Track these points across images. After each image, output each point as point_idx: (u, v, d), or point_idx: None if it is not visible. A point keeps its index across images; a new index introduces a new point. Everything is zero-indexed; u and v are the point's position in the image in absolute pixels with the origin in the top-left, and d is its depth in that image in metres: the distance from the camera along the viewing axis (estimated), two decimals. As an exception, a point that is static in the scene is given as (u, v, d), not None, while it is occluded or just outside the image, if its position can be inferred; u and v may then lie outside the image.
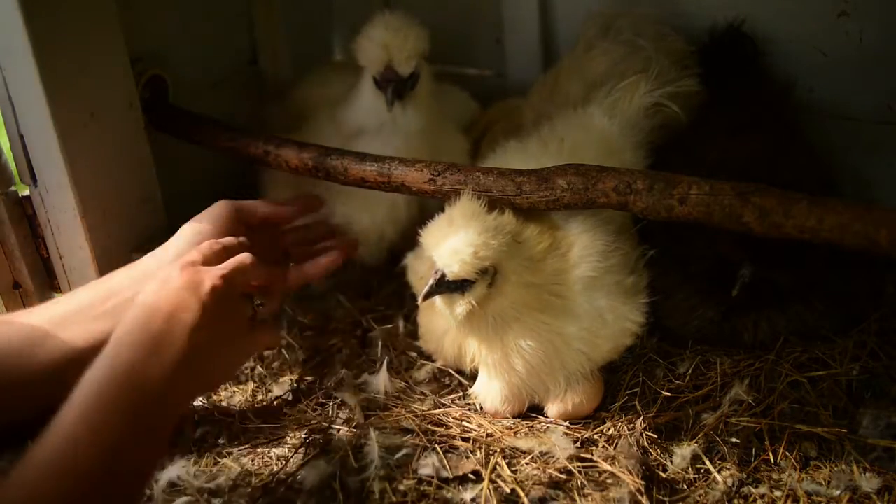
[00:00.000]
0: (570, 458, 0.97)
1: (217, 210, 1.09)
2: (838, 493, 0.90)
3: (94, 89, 1.11)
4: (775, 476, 0.93)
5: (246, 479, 0.95)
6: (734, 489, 0.92)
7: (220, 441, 1.02)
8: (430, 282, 0.95)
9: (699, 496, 0.91)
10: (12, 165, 1.12)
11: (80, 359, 0.93)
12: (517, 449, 1.00)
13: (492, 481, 0.94)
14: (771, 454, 0.95)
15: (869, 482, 0.90)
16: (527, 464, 0.97)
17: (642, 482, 0.92)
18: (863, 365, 1.06)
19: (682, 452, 0.96)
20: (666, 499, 0.91)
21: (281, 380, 1.14)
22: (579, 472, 0.95)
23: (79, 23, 1.08)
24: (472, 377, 1.10)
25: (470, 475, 0.95)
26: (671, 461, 0.96)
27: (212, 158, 1.29)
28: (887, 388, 1.03)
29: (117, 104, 1.17)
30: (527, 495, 0.91)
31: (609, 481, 0.93)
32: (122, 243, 1.10)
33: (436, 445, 0.99)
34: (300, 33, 1.65)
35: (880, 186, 1.30)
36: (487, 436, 1.02)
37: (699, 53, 1.33)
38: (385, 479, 0.94)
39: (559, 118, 1.21)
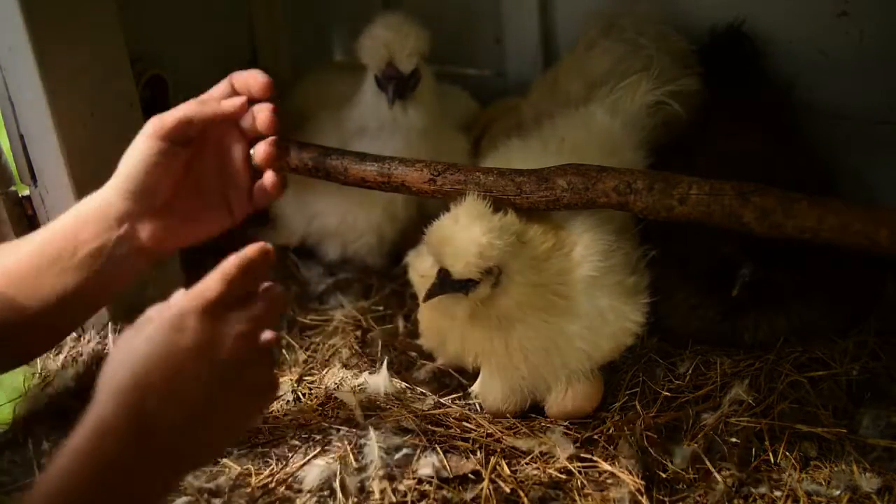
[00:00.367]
0: (570, 458, 0.97)
1: (140, 136, 0.97)
2: (838, 493, 0.90)
3: (94, 89, 1.11)
4: (775, 476, 0.93)
5: (246, 479, 0.95)
6: (734, 489, 0.92)
7: (220, 441, 1.02)
8: (434, 281, 0.95)
9: (699, 496, 0.91)
10: (12, 165, 1.12)
11: (61, 311, 0.94)
12: (517, 449, 1.00)
13: (492, 481, 0.94)
14: (771, 454, 0.95)
15: (869, 482, 0.90)
16: (527, 464, 0.97)
17: (642, 482, 0.92)
18: (863, 365, 1.06)
19: (682, 452, 0.96)
20: (666, 499, 0.91)
21: (281, 380, 1.14)
22: (579, 472, 0.95)
23: (79, 23, 1.08)
24: (473, 377, 1.10)
25: (470, 475, 0.95)
26: (671, 461, 0.96)
27: (212, 158, 1.29)
28: (887, 388, 1.03)
29: (117, 104, 1.17)
30: (527, 495, 0.91)
31: (609, 481, 0.93)
32: (122, 243, 1.10)
33: (436, 445, 0.99)
34: (300, 33, 1.66)
35: (880, 186, 1.30)
36: (487, 436, 1.02)
37: (699, 53, 1.33)
38: (385, 479, 0.94)
39: (560, 116, 1.21)
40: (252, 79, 1.01)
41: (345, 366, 1.16)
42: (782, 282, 1.06)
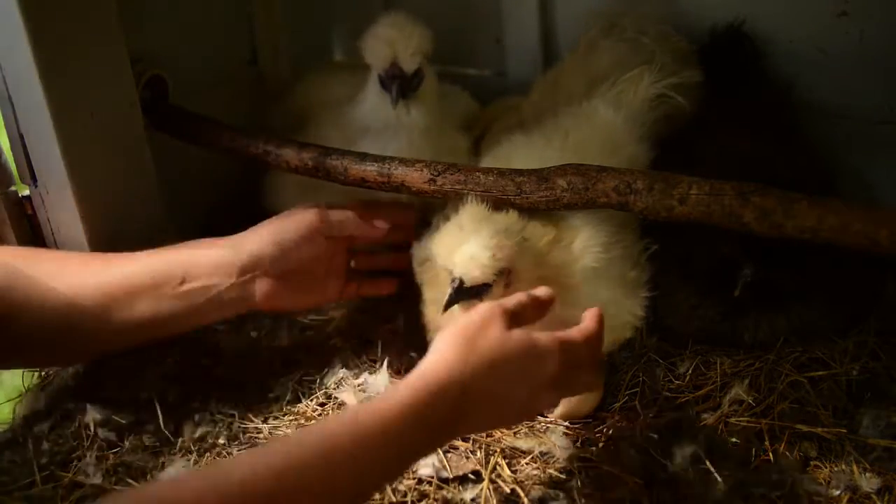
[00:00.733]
0: (570, 458, 0.97)
1: (303, 216, 1.10)
2: (838, 493, 0.90)
3: (94, 89, 1.11)
4: (775, 476, 0.93)
5: (246, 479, 0.95)
6: (734, 489, 0.91)
7: (220, 441, 1.02)
8: (449, 291, 0.95)
9: (699, 496, 0.91)
10: (12, 165, 1.12)
11: (141, 332, 1.02)
12: (517, 449, 1.00)
13: (492, 481, 0.94)
14: (771, 454, 0.95)
15: (869, 482, 0.90)
16: (527, 464, 0.97)
17: (642, 482, 0.92)
18: (863, 365, 1.06)
19: (682, 452, 0.96)
20: (666, 499, 0.91)
21: (281, 379, 1.14)
22: (579, 472, 0.95)
23: (79, 23, 1.08)
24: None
25: (470, 475, 0.95)
26: (671, 461, 0.96)
27: (212, 158, 1.29)
28: (887, 388, 1.03)
29: (117, 104, 1.17)
30: (527, 495, 0.91)
31: (609, 481, 0.93)
32: (121, 243, 1.10)
33: (436, 445, 0.99)
34: (300, 33, 1.65)
35: (880, 186, 1.30)
36: (487, 436, 1.02)
37: (699, 53, 1.33)
38: (385, 478, 0.94)
39: (563, 112, 1.21)
40: (402, 217, 1.20)
41: (345, 366, 1.16)
42: (782, 282, 1.06)
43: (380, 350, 1.19)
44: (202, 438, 1.03)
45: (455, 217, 0.99)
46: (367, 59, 1.22)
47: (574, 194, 1.00)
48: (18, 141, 1.09)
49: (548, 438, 1.01)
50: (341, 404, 1.09)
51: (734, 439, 0.98)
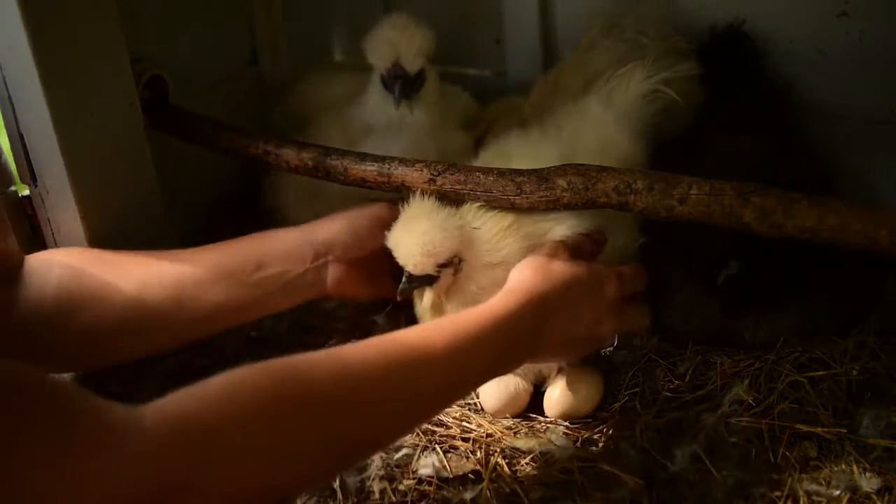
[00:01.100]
0: (570, 458, 0.97)
1: (376, 209, 1.13)
2: (838, 493, 0.90)
3: (94, 89, 1.11)
4: (775, 476, 0.93)
5: (246, 479, 0.95)
6: (734, 489, 0.91)
7: (220, 441, 1.02)
8: (403, 280, 1.01)
9: (699, 496, 0.91)
10: (12, 165, 1.12)
11: (212, 322, 1.05)
12: (517, 449, 1.00)
13: (492, 481, 0.94)
14: (771, 454, 0.95)
15: (869, 482, 0.90)
16: (527, 464, 0.97)
17: (642, 482, 0.92)
18: (863, 365, 1.05)
19: (682, 452, 0.96)
20: (666, 499, 0.91)
21: (281, 380, 1.14)
22: (579, 472, 0.95)
23: (79, 23, 1.08)
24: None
25: (470, 475, 0.95)
26: (671, 461, 0.96)
27: (212, 158, 1.29)
28: (887, 388, 1.03)
29: (117, 104, 1.16)
30: (527, 495, 0.91)
31: (609, 481, 0.93)
32: (121, 243, 1.10)
33: (436, 445, 0.99)
34: (300, 33, 1.65)
35: (880, 186, 1.30)
36: (487, 436, 1.02)
37: (699, 53, 1.32)
38: (385, 479, 0.94)
39: (559, 109, 1.22)
40: None
41: (345, 366, 1.16)
42: (782, 282, 1.06)
43: (380, 350, 1.19)
44: (202, 438, 1.02)
45: (403, 212, 1.03)
46: (370, 59, 1.24)
47: (574, 194, 1.00)
48: (18, 141, 1.08)
49: (548, 438, 1.01)
50: (341, 404, 1.08)
51: (734, 439, 0.98)
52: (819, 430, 0.97)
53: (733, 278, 1.03)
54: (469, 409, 1.09)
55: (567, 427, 1.04)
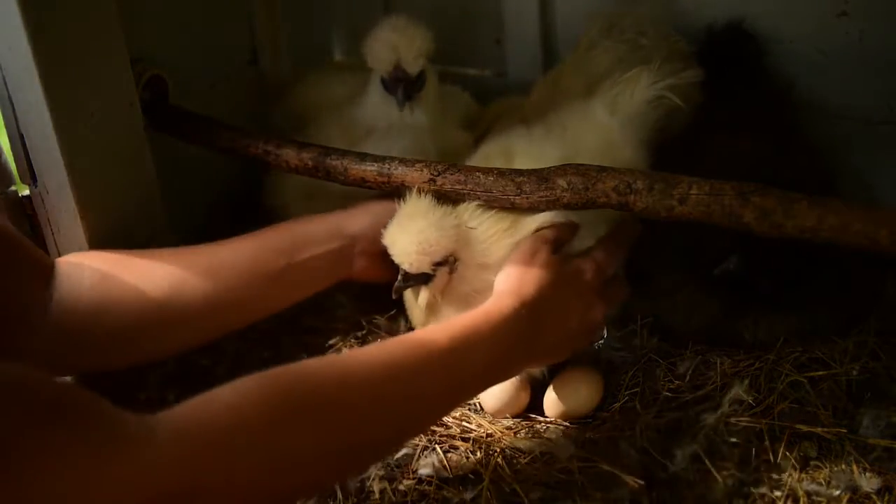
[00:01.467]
0: (570, 458, 0.97)
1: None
2: (838, 493, 0.90)
3: (94, 89, 1.11)
4: (775, 476, 0.93)
5: (246, 480, 0.95)
6: (734, 489, 0.91)
7: (220, 441, 1.02)
8: (399, 278, 1.02)
9: (699, 496, 0.91)
10: (12, 165, 1.12)
11: (246, 312, 1.09)
12: (517, 449, 1.00)
13: (492, 481, 0.94)
14: (771, 454, 0.95)
15: (869, 482, 0.90)
16: (527, 464, 0.97)
17: (642, 482, 0.92)
18: (863, 365, 1.05)
19: (682, 452, 0.96)
20: (666, 499, 0.91)
21: (281, 380, 1.14)
22: (579, 472, 0.95)
23: (79, 23, 1.08)
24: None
25: (470, 475, 0.95)
26: (671, 461, 0.96)
27: (212, 158, 1.29)
28: (887, 388, 1.03)
29: (117, 104, 1.16)
30: (527, 495, 0.91)
31: (609, 481, 0.93)
32: (121, 243, 1.10)
33: (436, 445, 0.99)
34: (300, 33, 1.65)
35: (880, 186, 1.30)
36: (487, 436, 1.02)
37: (699, 52, 1.32)
38: (385, 479, 0.94)
39: (562, 110, 1.21)
40: None
41: (345, 366, 1.16)
42: (782, 281, 1.06)
43: (380, 350, 1.19)
44: (202, 438, 1.02)
45: (399, 210, 1.03)
46: (371, 62, 1.23)
47: (574, 194, 1.00)
48: (18, 141, 1.08)
49: (548, 438, 1.01)
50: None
51: (734, 439, 0.98)
52: (819, 430, 0.97)
53: (730, 274, 1.03)
54: (469, 409, 1.09)
55: (567, 427, 1.04)
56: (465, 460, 0.98)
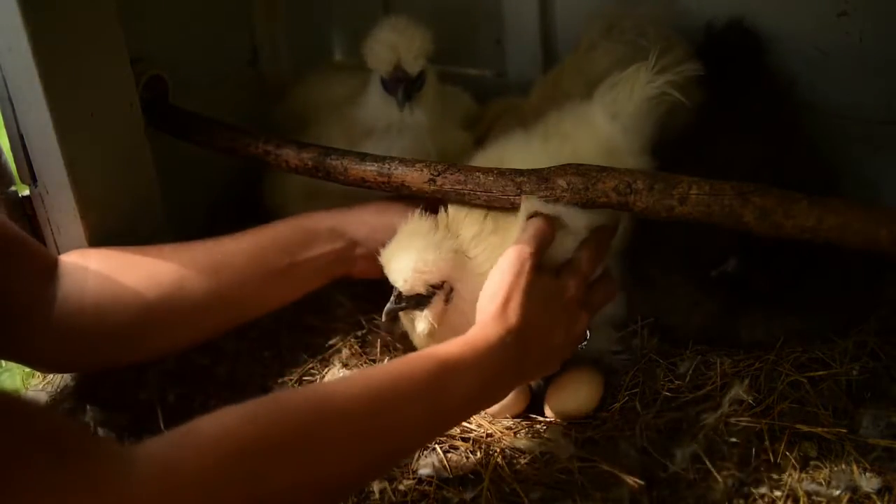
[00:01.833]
0: (570, 458, 0.97)
1: (407, 203, 1.12)
2: (838, 493, 0.90)
3: (94, 89, 1.11)
4: (775, 476, 0.93)
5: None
6: (734, 489, 0.91)
7: (220, 441, 1.02)
8: (392, 299, 1.00)
9: (699, 496, 0.91)
10: (12, 165, 1.12)
11: (246, 310, 1.10)
12: (517, 449, 1.00)
13: (492, 481, 0.94)
14: (771, 454, 0.95)
15: (869, 482, 0.90)
16: (527, 464, 0.97)
17: (642, 482, 0.92)
18: (863, 365, 1.05)
19: (682, 452, 0.96)
20: (666, 499, 0.91)
21: (280, 380, 1.14)
22: (579, 472, 0.95)
23: (79, 23, 1.08)
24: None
25: (470, 475, 0.95)
26: (671, 461, 0.96)
27: (212, 158, 1.29)
28: (887, 388, 1.03)
29: (117, 104, 1.16)
30: (527, 495, 0.91)
31: (609, 481, 0.93)
32: (121, 244, 1.10)
33: (436, 445, 0.99)
34: (300, 33, 1.65)
35: (881, 186, 1.30)
36: (487, 436, 1.02)
37: (700, 51, 1.32)
38: (385, 479, 0.94)
39: (563, 115, 1.20)
40: None
41: (345, 366, 1.16)
42: (783, 281, 1.06)
43: (379, 350, 1.19)
44: (202, 438, 1.02)
45: (399, 230, 1.03)
46: (370, 63, 1.23)
47: (574, 194, 1.00)
48: (18, 141, 1.08)
49: (548, 438, 1.01)
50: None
51: (734, 439, 0.98)
52: (819, 430, 0.97)
53: (728, 275, 1.03)
54: (469, 409, 1.09)
55: (567, 427, 1.04)
56: (465, 460, 0.98)
